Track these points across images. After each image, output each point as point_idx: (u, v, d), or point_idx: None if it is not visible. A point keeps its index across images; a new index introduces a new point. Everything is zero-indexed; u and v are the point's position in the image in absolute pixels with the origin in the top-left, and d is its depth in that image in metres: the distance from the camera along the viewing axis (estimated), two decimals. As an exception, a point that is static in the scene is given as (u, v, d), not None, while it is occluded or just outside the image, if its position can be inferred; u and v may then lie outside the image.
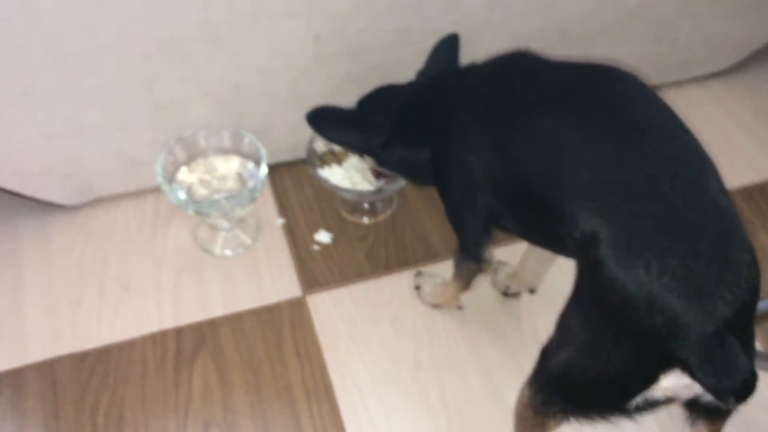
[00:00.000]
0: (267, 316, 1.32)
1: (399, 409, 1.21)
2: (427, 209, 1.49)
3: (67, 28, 1.13)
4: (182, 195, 1.31)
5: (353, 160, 1.44)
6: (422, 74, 1.22)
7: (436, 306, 1.33)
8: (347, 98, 1.41)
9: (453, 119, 1.03)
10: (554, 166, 0.88)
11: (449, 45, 1.21)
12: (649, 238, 0.78)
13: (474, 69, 1.09)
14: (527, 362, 1.25)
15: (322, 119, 1.20)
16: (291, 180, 1.54)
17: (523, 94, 0.96)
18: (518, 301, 1.35)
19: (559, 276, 1.32)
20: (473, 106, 1.01)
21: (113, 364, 1.23)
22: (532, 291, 1.33)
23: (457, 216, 1.10)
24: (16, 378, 1.21)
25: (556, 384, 0.88)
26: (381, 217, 1.48)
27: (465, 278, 1.17)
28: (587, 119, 0.90)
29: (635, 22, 1.51)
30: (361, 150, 1.22)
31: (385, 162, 1.21)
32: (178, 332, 1.29)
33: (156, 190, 1.49)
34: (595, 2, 1.44)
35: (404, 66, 1.39)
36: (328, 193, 1.49)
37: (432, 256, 1.42)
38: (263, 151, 1.31)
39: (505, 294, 1.35)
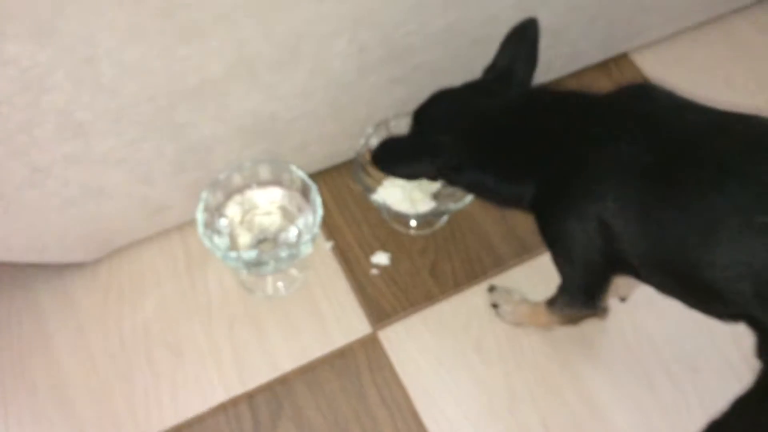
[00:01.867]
0: (341, 362, 1.21)
1: (503, 449, 1.15)
2: (483, 209, 1.36)
3: (79, 96, 0.91)
4: (223, 243, 1.15)
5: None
6: (493, 71, 1.05)
7: (518, 324, 1.24)
8: (388, 101, 1.25)
9: (579, 160, 0.89)
10: (737, 251, 0.76)
11: (527, 33, 1.02)
12: None
13: (592, 101, 0.92)
14: (623, 372, 1.20)
15: (389, 157, 1.04)
16: (328, 191, 1.37)
17: (686, 149, 0.81)
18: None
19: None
20: (609, 152, 0.86)
21: (189, 449, 1.12)
22: (623, 299, 1.24)
23: (569, 266, 0.98)
24: (86, 484, 1.09)
25: None
26: (437, 226, 1.34)
27: (570, 319, 1.06)
28: None
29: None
30: (436, 177, 1.07)
31: (459, 183, 1.07)
32: (250, 398, 1.17)
33: (180, 227, 1.31)
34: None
35: (451, 59, 1.23)
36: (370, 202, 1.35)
37: (500, 263, 1.31)
38: (312, 185, 1.15)
39: (588, 300, 1.27)
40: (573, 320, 1.07)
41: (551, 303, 1.09)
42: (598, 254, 0.90)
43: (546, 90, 0.98)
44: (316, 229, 1.13)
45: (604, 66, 1.54)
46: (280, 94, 1.10)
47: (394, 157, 1.04)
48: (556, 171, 0.91)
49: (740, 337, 1.21)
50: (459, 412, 1.17)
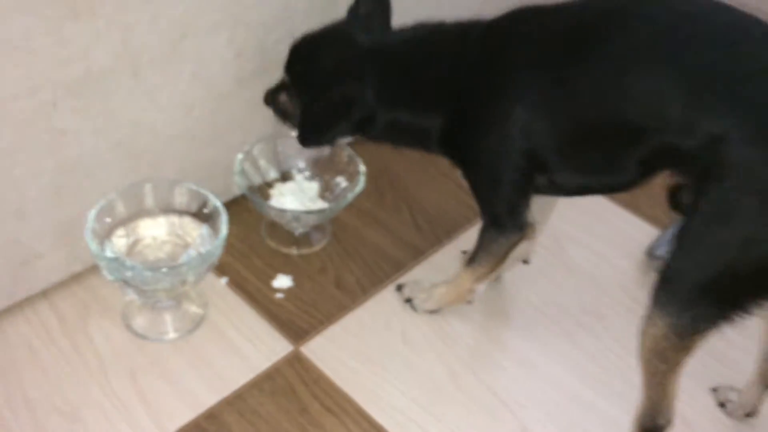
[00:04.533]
0: (270, 384, 1.09)
1: (462, 424, 1.09)
2: (367, 224, 1.37)
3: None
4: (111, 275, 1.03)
5: (290, 184, 1.29)
6: (356, 11, 1.07)
7: (433, 311, 1.23)
8: (260, 124, 1.26)
9: (487, 73, 0.96)
10: (645, 79, 0.85)
11: None
12: None
13: (478, 26, 1.01)
14: (543, 333, 1.23)
15: (312, 131, 1.06)
16: (208, 235, 1.30)
17: (567, 35, 0.92)
18: (510, 273, 1.30)
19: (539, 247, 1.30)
20: (514, 58, 0.94)
21: None
22: (525, 262, 1.29)
23: (492, 183, 1.01)
24: None
25: (706, 292, 0.85)
26: (317, 247, 1.32)
27: (498, 258, 1.08)
28: (644, 32, 0.88)
29: None
30: (353, 132, 1.08)
31: (374, 131, 1.07)
32: (175, 442, 1.00)
33: (45, 292, 1.15)
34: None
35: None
36: (253, 232, 1.30)
37: (400, 267, 1.31)
38: (214, 201, 1.09)
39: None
40: (501, 258, 1.08)
41: (471, 260, 1.11)
42: (522, 157, 0.95)
43: (429, 23, 1.04)
44: (225, 228, 1.05)
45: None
46: (163, 102, 1.07)
47: (317, 127, 1.05)
48: (466, 93, 0.97)
49: (626, 282, 1.33)
50: (408, 401, 1.10)
